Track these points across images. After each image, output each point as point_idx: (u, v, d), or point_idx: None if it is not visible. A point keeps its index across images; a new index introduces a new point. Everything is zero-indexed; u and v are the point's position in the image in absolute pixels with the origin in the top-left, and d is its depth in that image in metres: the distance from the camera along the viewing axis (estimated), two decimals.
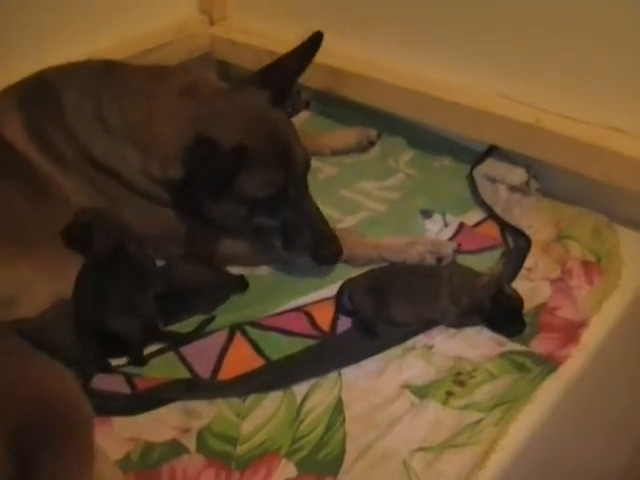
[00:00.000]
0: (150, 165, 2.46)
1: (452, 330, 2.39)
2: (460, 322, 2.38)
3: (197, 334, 2.37)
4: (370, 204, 2.91)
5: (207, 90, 2.52)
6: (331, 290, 2.50)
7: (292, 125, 2.57)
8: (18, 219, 2.38)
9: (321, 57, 3.09)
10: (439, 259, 2.57)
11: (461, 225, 2.77)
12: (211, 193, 2.39)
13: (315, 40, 2.61)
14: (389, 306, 2.36)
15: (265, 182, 2.40)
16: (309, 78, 3.03)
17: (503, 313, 2.35)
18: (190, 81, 2.54)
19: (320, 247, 2.46)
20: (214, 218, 2.48)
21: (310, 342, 2.34)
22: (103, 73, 2.59)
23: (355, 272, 2.53)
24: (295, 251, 2.49)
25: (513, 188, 2.91)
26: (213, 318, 2.41)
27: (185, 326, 2.40)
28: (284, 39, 3.32)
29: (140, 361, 2.29)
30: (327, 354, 2.32)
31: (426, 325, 2.39)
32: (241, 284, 2.51)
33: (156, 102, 2.47)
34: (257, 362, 2.29)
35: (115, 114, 2.49)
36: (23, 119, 2.52)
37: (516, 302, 2.37)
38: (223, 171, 2.35)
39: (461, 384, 2.22)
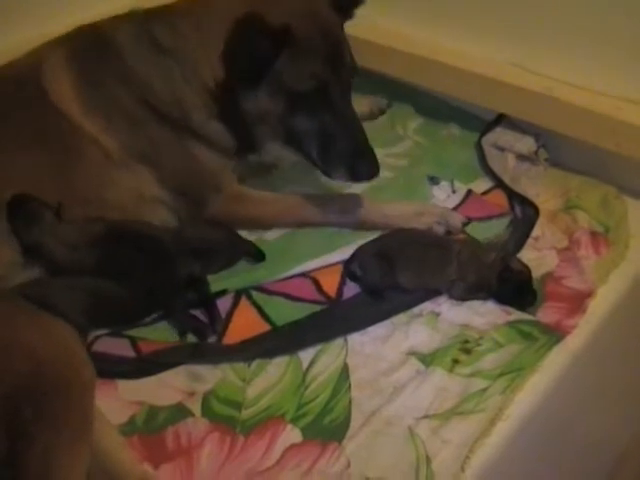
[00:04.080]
0: (207, 75, 2.44)
1: None
2: (466, 297, 2.37)
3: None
4: None
5: None
6: (338, 255, 2.49)
7: (344, 33, 2.52)
8: (42, 192, 2.36)
9: None
10: (447, 230, 2.56)
11: (469, 192, 2.77)
12: (251, 74, 2.35)
13: None
14: (396, 272, 2.35)
15: (307, 73, 2.35)
16: None
17: (511, 289, 2.34)
18: None
19: (357, 161, 2.41)
20: (251, 113, 2.43)
21: (316, 308, 2.34)
22: (148, 13, 2.59)
23: (361, 238, 2.52)
24: (330, 162, 2.43)
25: (521, 157, 2.90)
26: (225, 291, 2.39)
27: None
28: None
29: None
30: (333, 320, 2.31)
31: (432, 293, 2.38)
32: (257, 254, 2.49)
33: (210, 6, 2.47)
34: (262, 327, 2.28)
35: (170, 36, 2.49)
36: (73, 76, 2.50)
37: (523, 275, 2.36)
38: (264, 46, 2.29)
39: (467, 352, 2.22)
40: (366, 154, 2.42)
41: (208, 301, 2.31)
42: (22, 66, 2.57)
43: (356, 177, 2.44)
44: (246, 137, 2.53)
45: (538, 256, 2.52)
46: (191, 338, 2.26)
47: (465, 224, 2.60)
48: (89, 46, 2.56)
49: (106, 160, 2.49)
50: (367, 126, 3.04)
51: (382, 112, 3.23)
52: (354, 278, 2.40)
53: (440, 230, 2.56)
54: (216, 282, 2.39)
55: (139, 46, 2.51)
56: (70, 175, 2.46)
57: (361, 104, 3.17)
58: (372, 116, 3.20)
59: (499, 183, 2.79)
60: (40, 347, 1.83)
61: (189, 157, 2.55)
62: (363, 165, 2.41)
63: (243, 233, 2.54)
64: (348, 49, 2.47)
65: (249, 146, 2.57)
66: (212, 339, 2.25)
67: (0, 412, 1.70)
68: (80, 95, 2.49)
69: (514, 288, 2.34)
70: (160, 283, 2.28)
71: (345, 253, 2.48)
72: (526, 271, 2.36)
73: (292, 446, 2.00)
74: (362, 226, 2.55)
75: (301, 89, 2.36)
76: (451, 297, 2.38)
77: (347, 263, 2.44)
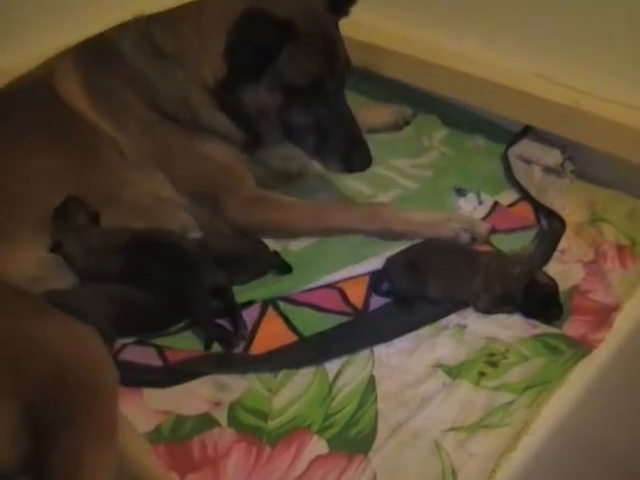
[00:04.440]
0: (208, 74, 2.50)
1: None
2: (492, 310, 2.36)
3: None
4: (403, 181, 2.90)
5: None
6: (364, 266, 2.49)
7: (339, 31, 2.59)
8: (63, 191, 2.38)
9: (357, 33, 3.09)
10: (473, 238, 2.55)
11: (495, 204, 2.76)
12: (253, 67, 2.41)
13: None
14: (426, 282, 2.35)
15: (306, 70, 2.43)
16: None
17: (537, 302, 2.34)
18: None
19: (351, 152, 2.49)
20: (252, 107, 2.50)
21: (342, 319, 2.33)
22: (151, 16, 2.65)
23: (388, 249, 2.51)
24: (326, 153, 2.51)
25: (548, 169, 2.90)
26: (252, 302, 2.39)
27: None
28: None
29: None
30: (359, 331, 2.31)
31: (458, 305, 2.38)
32: (283, 267, 2.49)
33: (208, 7, 2.54)
34: (289, 338, 2.28)
35: (171, 39, 2.55)
36: (81, 78, 2.56)
37: (550, 288, 2.35)
38: (269, 37, 2.36)
39: (493, 365, 2.21)
40: (359, 146, 2.51)
41: (233, 310, 2.31)
42: (35, 76, 2.63)
43: (350, 167, 2.52)
44: (249, 130, 2.60)
45: (564, 269, 2.51)
46: (217, 348, 2.26)
47: (491, 231, 2.60)
48: (95, 53, 2.62)
49: (121, 160, 2.53)
50: (392, 136, 3.09)
51: (407, 122, 3.23)
52: (382, 294, 2.40)
53: (466, 237, 2.54)
54: (243, 292, 2.39)
55: (141, 51, 2.56)
56: (88, 174, 2.48)
57: (386, 114, 3.20)
58: (397, 126, 3.21)
59: (525, 195, 2.79)
60: (64, 351, 1.83)
61: (200, 158, 2.58)
62: (357, 156, 2.50)
63: (269, 242, 2.54)
64: (343, 46, 2.54)
65: (255, 140, 2.63)
66: (238, 349, 2.25)
67: (25, 415, 1.71)
68: (91, 98, 2.54)
69: (540, 301, 2.33)
70: (183, 291, 2.28)
71: (372, 264, 2.48)
72: (552, 284, 2.35)
73: (318, 457, 1.99)
74: (388, 234, 2.55)
75: (298, 84, 2.44)
76: (477, 309, 2.37)
77: (377, 279, 2.43)
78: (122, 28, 2.64)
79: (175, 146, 2.57)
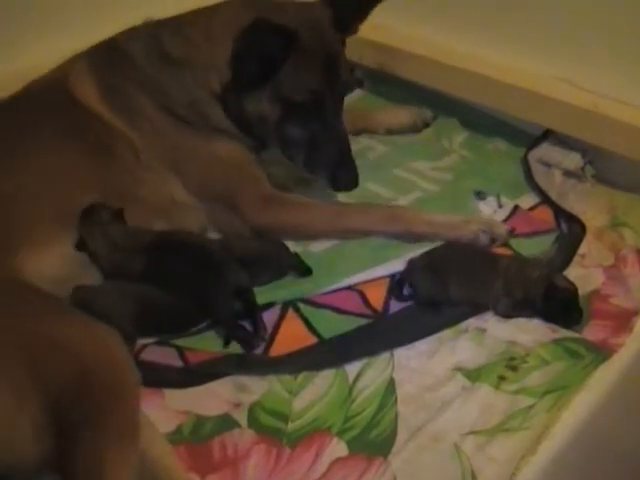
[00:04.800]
0: (214, 80, 2.52)
1: None
2: (512, 313, 2.36)
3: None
4: (423, 184, 2.90)
5: (269, 1, 2.59)
6: (384, 269, 2.49)
7: (343, 50, 2.60)
8: (81, 189, 2.41)
9: (376, 35, 3.10)
10: (493, 239, 2.55)
11: (515, 208, 2.76)
12: (258, 76, 2.43)
13: None
14: (447, 285, 2.35)
15: (305, 85, 2.45)
16: (363, 56, 3.03)
17: (557, 306, 2.33)
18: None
19: (339, 169, 2.51)
20: (254, 115, 2.52)
21: (362, 321, 2.34)
22: (161, 21, 2.67)
23: (408, 251, 2.52)
24: (314, 168, 2.54)
25: (568, 173, 2.90)
26: (272, 303, 2.40)
27: None
28: None
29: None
30: (379, 334, 2.32)
31: (478, 308, 2.38)
32: (303, 269, 2.49)
33: (217, 15, 2.56)
34: (309, 339, 2.29)
35: (179, 44, 2.57)
36: (95, 80, 2.58)
37: (569, 293, 2.34)
38: (275, 46, 2.38)
39: (513, 369, 2.21)
40: (348, 166, 2.53)
41: (254, 311, 2.32)
42: (50, 79, 2.65)
43: (336, 185, 2.55)
44: (253, 135, 2.62)
45: (584, 274, 2.51)
46: (236, 348, 2.26)
47: (510, 232, 2.59)
48: (107, 57, 2.64)
49: (137, 160, 2.55)
50: (412, 139, 3.09)
51: (426, 125, 3.23)
52: (404, 298, 2.41)
53: (485, 238, 2.55)
54: (263, 294, 2.39)
55: (150, 56, 2.58)
56: (106, 173, 2.49)
57: (404, 115, 3.20)
58: (415, 128, 3.22)
59: (545, 199, 2.79)
60: (87, 352, 1.84)
61: (212, 159, 2.59)
62: (344, 175, 2.52)
63: (289, 244, 2.54)
64: (345, 64, 2.56)
65: (260, 144, 2.66)
66: (258, 350, 2.26)
67: (48, 415, 1.73)
68: (106, 98, 2.56)
69: (560, 305, 2.33)
70: (207, 291, 2.28)
71: (392, 266, 2.49)
72: (572, 289, 2.34)
73: (338, 460, 1.99)
74: (408, 236, 2.55)
75: (297, 99, 2.46)
76: (496, 313, 2.37)
77: (397, 283, 2.44)
78: (132, 32, 2.66)
79: (187, 148, 2.58)
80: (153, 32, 2.61)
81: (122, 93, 2.57)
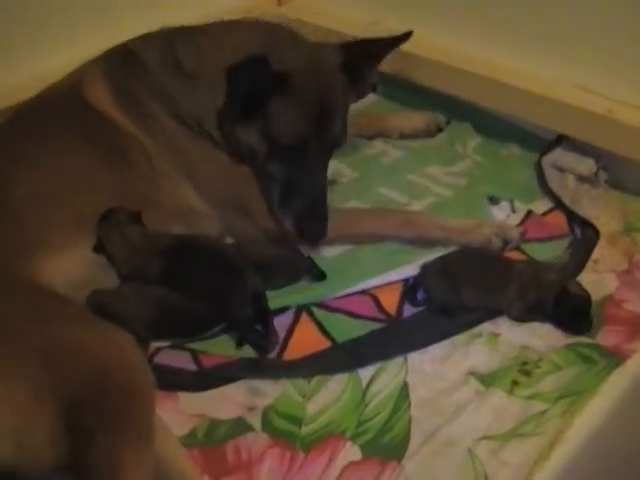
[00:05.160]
0: (218, 99, 2.47)
1: None
2: (525, 317, 2.36)
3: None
4: (437, 189, 2.90)
5: (284, 32, 2.57)
6: (398, 273, 2.50)
7: (344, 100, 2.54)
8: (97, 194, 2.42)
9: None
10: (505, 242, 2.56)
11: (529, 213, 2.76)
12: (243, 109, 2.41)
13: (405, 36, 2.58)
14: (461, 290, 2.35)
15: (293, 130, 2.41)
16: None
17: (567, 312, 2.33)
18: (271, 24, 2.61)
19: (307, 220, 2.44)
20: (242, 145, 2.49)
21: (376, 325, 2.34)
22: (177, 29, 2.66)
23: (422, 257, 2.53)
24: (284, 211, 2.47)
25: (581, 179, 2.89)
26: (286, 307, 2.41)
27: None
28: (353, 21, 3.33)
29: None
30: (393, 338, 2.32)
31: (492, 313, 2.38)
32: (317, 273, 2.50)
33: (232, 38, 2.53)
34: (323, 344, 2.30)
35: (193, 57, 2.55)
36: (108, 85, 2.57)
37: (581, 299, 2.33)
38: (260, 85, 2.34)
39: (527, 374, 2.21)
40: (318, 218, 2.45)
41: (267, 316, 2.32)
42: (64, 84, 2.65)
43: (301, 233, 2.47)
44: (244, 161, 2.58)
45: (598, 279, 2.50)
46: (250, 352, 2.27)
47: (522, 235, 2.60)
48: (121, 63, 2.62)
49: (151, 165, 2.55)
50: (426, 144, 3.10)
51: (440, 129, 3.23)
52: (418, 303, 2.41)
53: (498, 242, 2.56)
54: (277, 298, 2.40)
55: (164, 64, 2.57)
56: (122, 177, 2.50)
57: (417, 120, 3.20)
58: (429, 133, 3.22)
59: (559, 204, 2.78)
60: (104, 356, 1.85)
61: (222, 167, 2.58)
62: (311, 227, 2.45)
63: (303, 249, 2.55)
64: (342, 119, 2.50)
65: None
66: (272, 354, 2.27)
67: (65, 417, 1.74)
68: (120, 104, 2.56)
69: (570, 312, 2.33)
70: (225, 295, 2.29)
71: (406, 271, 2.49)
72: (585, 296, 2.34)
73: (351, 464, 2.00)
74: (421, 240, 2.55)
75: (282, 141, 2.42)
76: (510, 317, 2.37)
77: (411, 288, 2.44)
78: (147, 39, 2.66)
79: (198, 156, 2.58)
80: (168, 40, 2.61)
81: (135, 99, 2.56)
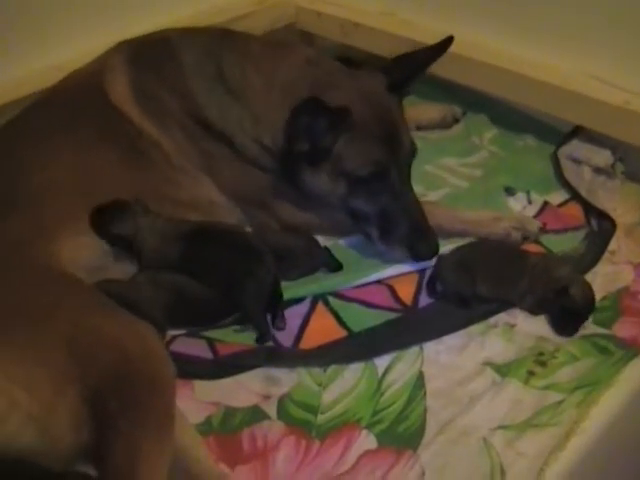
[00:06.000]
0: (263, 132, 2.47)
1: None
2: (536, 311, 2.36)
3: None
4: (453, 180, 2.91)
5: (329, 65, 2.55)
6: (414, 264, 2.48)
7: (403, 113, 2.54)
8: (115, 186, 2.43)
9: (407, 32, 3.09)
10: (525, 237, 2.55)
11: (545, 204, 2.76)
12: (310, 155, 2.39)
13: (445, 42, 2.59)
14: (476, 282, 2.35)
15: (368, 159, 2.38)
16: (394, 52, 3.01)
17: (557, 311, 2.32)
18: (314, 55, 2.58)
19: (417, 242, 2.40)
20: (314, 191, 2.47)
21: (392, 315, 2.35)
22: (224, 38, 2.63)
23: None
24: (391, 243, 2.43)
25: (598, 170, 2.89)
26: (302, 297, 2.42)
27: None
28: (370, 11, 3.32)
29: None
30: (409, 328, 2.32)
31: (508, 304, 2.38)
32: (334, 264, 2.50)
33: (281, 70, 2.50)
34: (339, 333, 2.30)
35: (238, 77, 2.53)
36: (131, 79, 2.57)
37: (574, 305, 2.30)
38: (324, 128, 2.33)
39: (542, 364, 2.21)
40: (426, 235, 2.42)
41: (279, 302, 2.34)
42: (87, 73, 2.65)
43: (416, 257, 2.44)
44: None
45: (614, 270, 2.51)
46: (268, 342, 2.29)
47: (541, 229, 2.60)
48: (151, 55, 2.62)
49: (168, 163, 2.55)
50: (442, 135, 3.09)
51: (456, 120, 3.23)
52: (435, 295, 2.41)
53: (517, 236, 2.55)
54: (293, 288, 2.41)
55: (202, 70, 2.55)
56: (141, 173, 2.51)
57: (433, 111, 3.20)
58: (445, 124, 3.22)
59: (575, 196, 2.78)
60: (126, 344, 1.87)
61: (239, 165, 2.57)
62: (423, 245, 2.41)
63: (319, 239, 2.56)
64: (406, 130, 2.49)
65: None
66: (288, 343, 2.27)
67: (88, 404, 1.75)
68: (138, 101, 2.56)
69: (559, 311, 2.32)
70: (245, 277, 2.29)
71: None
72: (581, 302, 2.31)
73: (367, 452, 2.01)
74: (439, 232, 2.50)
75: (361, 174, 2.39)
76: (522, 309, 2.37)
77: (429, 280, 2.44)
78: (189, 37, 2.63)
79: (217, 155, 2.57)
80: (215, 46, 2.58)
81: (155, 97, 2.56)
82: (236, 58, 2.54)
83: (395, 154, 2.41)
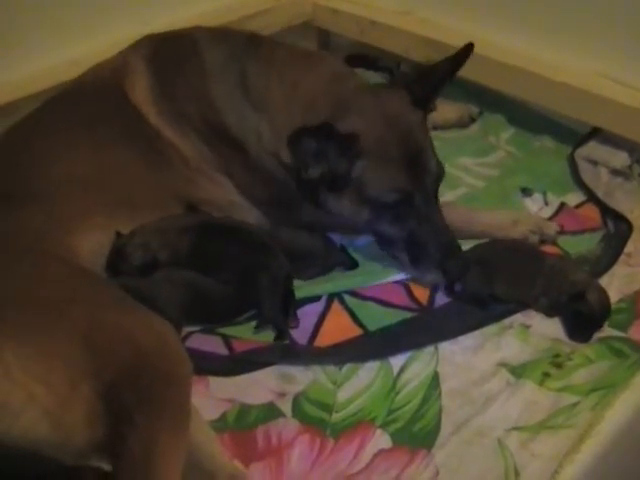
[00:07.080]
0: (282, 148, 2.38)
1: None
2: (550, 313, 2.35)
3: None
4: (469, 180, 2.91)
5: (354, 82, 2.51)
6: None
7: (428, 132, 2.46)
8: (132, 184, 2.44)
9: (423, 30, 3.08)
10: (542, 240, 2.55)
11: (562, 205, 2.76)
12: (329, 181, 2.34)
13: (466, 50, 2.50)
14: (493, 282, 2.35)
15: (390, 186, 2.32)
16: (410, 51, 3.02)
17: (571, 316, 2.31)
18: (340, 69, 2.55)
19: (449, 264, 2.36)
20: (334, 211, 2.42)
21: (407, 314, 2.35)
22: (251, 43, 2.59)
23: None
24: (422, 266, 2.39)
25: (615, 172, 2.89)
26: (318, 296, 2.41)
27: None
28: (386, 9, 3.32)
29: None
30: (424, 328, 2.32)
31: (523, 305, 2.38)
32: (350, 263, 2.51)
33: (305, 83, 2.46)
34: (354, 331, 2.30)
35: (260, 87, 2.49)
36: (150, 78, 2.56)
37: (590, 311, 2.29)
38: (334, 154, 2.28)
39: (558, 366, 2.20)
40: (455, 257, 2.38)
41: (291, 299, 2.34)
42: (108, 69, 2.64)
43: (449, 279, 2.40)
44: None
45: (630, 272, 2.50)
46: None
47: (559, 232, 2.60)
48: (174, 52, 2.61)
49: (186, 165, 2.55)
50: (459, 134, 3.09)
51: (473, 120, 3.24)
52: (455, 294, 2.41)
53: (535, 239, 2.55)
54: (309, 286, 2.42)
55: (225, 74, 2.53)
56: (160, 173, 2.51)
57: (449, 110, 3.20)
58: (461, 123, 3.23)
59: (592, 197, 2.78)
60: (143, 339, 1.86)
61: (257, 172, 2.56)
62: (455, 267, 2.37)
63: (335, 238, 2.57)
64: (431, 153, 2.41)
65: None
66: (304, 341, 2.28)
67: (104, 398, 1.74)
68: (156, 102, 2.55)
69: (573, 317, 2.31)
70: (259, 273, 2.29)
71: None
72: (597, 308, 2.30)
73: (381, 451, 2.01)
74: (458, 234, 2.47)
75: (385, 200, 2.33)
76: (537, 311, 2.37)
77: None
78: (216, 39, 2.60)
79: (232, 159, 2.56)
80: (241, 50, 2.55)
81: (174, 98, 2.55)
82: (261, 66, 2.51)
83: (419, 179, 2.34)
